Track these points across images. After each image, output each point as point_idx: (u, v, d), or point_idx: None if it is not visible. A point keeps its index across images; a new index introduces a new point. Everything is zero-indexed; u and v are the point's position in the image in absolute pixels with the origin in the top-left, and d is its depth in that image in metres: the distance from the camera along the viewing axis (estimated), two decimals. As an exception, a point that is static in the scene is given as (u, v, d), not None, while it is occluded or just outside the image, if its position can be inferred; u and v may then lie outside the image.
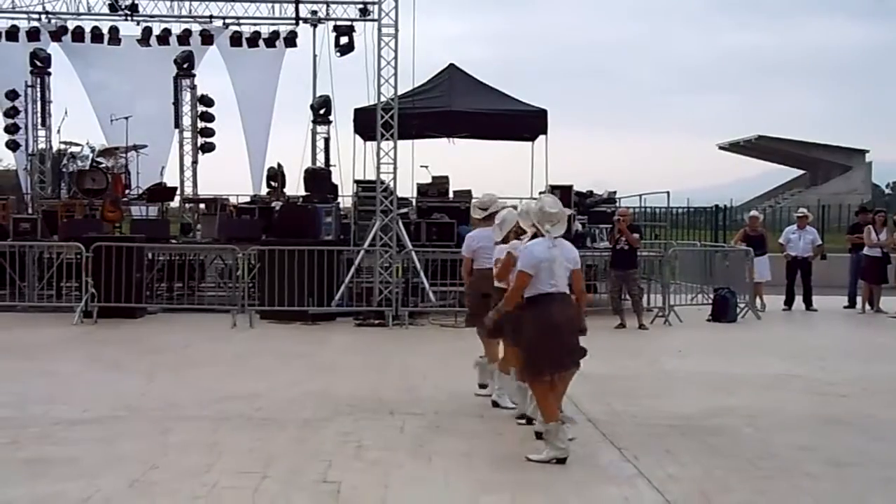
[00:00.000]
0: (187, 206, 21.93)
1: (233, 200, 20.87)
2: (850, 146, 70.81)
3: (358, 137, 19.20)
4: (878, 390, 10.25)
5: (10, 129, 20.96)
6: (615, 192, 20.46)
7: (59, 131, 20.79)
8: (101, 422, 8.06)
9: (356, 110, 18.88)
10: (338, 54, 20.13)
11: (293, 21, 20.34)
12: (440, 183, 18.99)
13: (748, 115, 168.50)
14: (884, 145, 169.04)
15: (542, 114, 19.29)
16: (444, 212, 17.94)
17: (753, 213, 20.59)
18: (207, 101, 22.35)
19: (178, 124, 22.23)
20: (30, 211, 19.92)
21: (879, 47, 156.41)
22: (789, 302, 18.33)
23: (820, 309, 18.07)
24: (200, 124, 22.33)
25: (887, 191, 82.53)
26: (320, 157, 21.25)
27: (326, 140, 21.26)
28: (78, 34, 20.46)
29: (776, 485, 6.63)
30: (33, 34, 20.44)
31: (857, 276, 18.45)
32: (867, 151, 71.03)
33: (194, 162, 22.46)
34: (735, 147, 76.32)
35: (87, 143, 20.29)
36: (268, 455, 7.03)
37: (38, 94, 20.84)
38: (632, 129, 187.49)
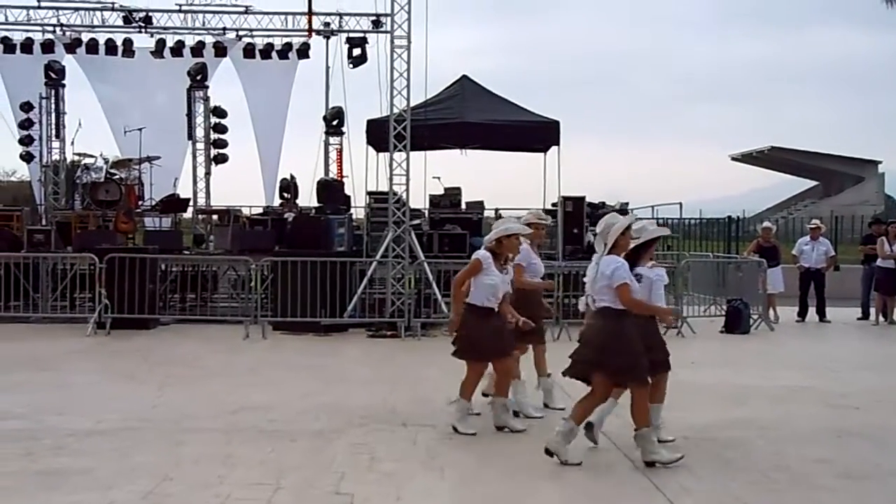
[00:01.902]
0: (200, 217, 22.00)
1: (246, 212, 20.94)
2: (863, 157, 70.45)
3: (370, 149, 19.25)
4: (892, 402, 10.22)
5: (25, 141, 21.06)
6: (627, 204, 20.41)
7: (72, 143, 20.94)
8: (114, 433, 8.08)
9: (369, 121, 18.91)
10: (350, 66, 20.23)
11: (306, 33, 20.43)
12: (452, 194, 19.01)
13: (760, 125, 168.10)
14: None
15: (554, 125, 19.28)
16: (456, 223, 17.96)
17: (766, 224, 20.54)
18: (220, 112, 22.43)
19: (191, 136, 22.33)
20: (44, 222, 20.00)
21: (892, 56, 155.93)
22: (802, 313, 18.27)
23: (833, 320, 18.01)
24: (213, 136, 22.39)
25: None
26: (333, 168, 21.31)
27: (339, 151, 21.32)
28: (92, 46, 20.59)
29: (790, 497, 6.61)
30: (48, 46, 20.59)
31: (869, 287, 18.38)
32: (880, 162, 70.64)
33: (207, 173, 22.53)
34: (747, 158, 76.02)
35: (101, 155, 20.40)
36: (280, 467, 7.04)
37: (53, 106, 20.97)
38: (644, 140, 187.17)
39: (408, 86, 15.79)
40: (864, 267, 18.78)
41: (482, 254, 8.28)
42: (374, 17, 19.58)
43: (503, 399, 8.50)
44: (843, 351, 15.18)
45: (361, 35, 20.06)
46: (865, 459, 7.62)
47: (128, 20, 19.92)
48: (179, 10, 20.07)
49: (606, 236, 7.29)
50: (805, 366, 12.80)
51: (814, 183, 75.51)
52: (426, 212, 18.78)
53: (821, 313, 18.22)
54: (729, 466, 7.29)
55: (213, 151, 22.44)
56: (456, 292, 8.41)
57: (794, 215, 55.64)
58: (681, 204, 20.32)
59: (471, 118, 19.26)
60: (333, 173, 21.11)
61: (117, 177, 19.71)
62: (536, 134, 19.67)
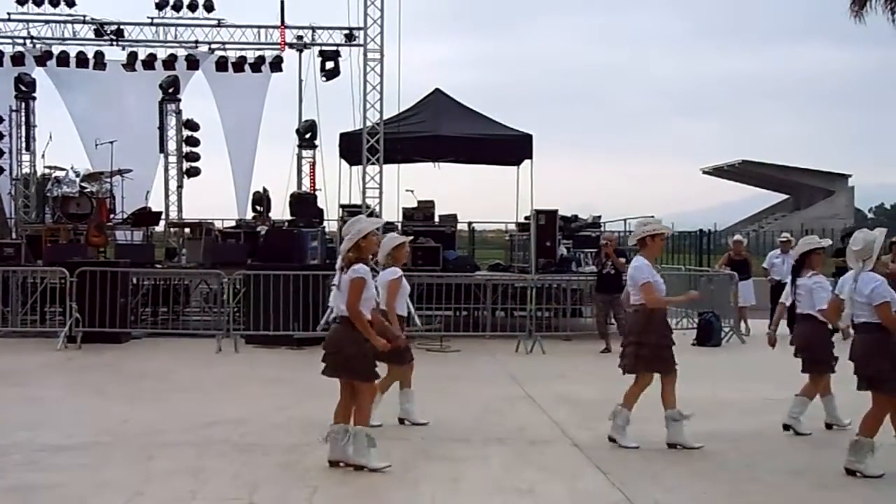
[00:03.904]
0: (172, 230, 21.89)
1: (218, 225, 20.81)
2: (834, 171, 71.14)
3: (343, 162, 19.22)
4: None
5: (-6, 154, 20.89)
6: (600, 217, 20.54)
7: (43, 156, 20.77)
8: (85, 448, 8.01)
9: (342, 135, 18.91)
10: (323, 79, 20.23)
11: (279, 46, 20.42)
12: (426, 207, 19.02)
13: (732, 139, 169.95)
14: (867, 170, 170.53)
15: (527, 138, 19.34)
16: (429, 236, 17.96)
17: (737, 237, 20.67)
18: (193, 125, 22.33)
19: (163, 149, 22.20)
20: (14, 236, 19.81)
21: (862, 72, 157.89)
22: (774, 326, 18.33)
23: (804, 333, 18.08)
24: (186, 149, 22.29)
25: (870, 215, 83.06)
26: (306, 181, 21.29)
27: (312, 164, 21.30)
28: (63, 59, 20.48)
29: (762, 509, 6.63)
30: (18, 59, 20.44)
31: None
32: (850, 176, 71.40)
33: (179, 186, 22.42)
34: (719, 171, 76.57)
35: (72, 168, 20.19)
36: (253, 481, 7.00)
37: (23, 119, 20.82)
38: (616, 154, 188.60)
39: (381, 99, 15.86)
40: (834, 280, 18.87)
41: (363, 270, 7.48)
42: (347, 31, 19.61)
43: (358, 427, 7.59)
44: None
45: (334, 48, 20.09)
46: (838, 470, 7.65)
47: (99, 33, 19.84)
48: (151, 24, 20.01)
49: (868, 252, 7.68)
50: (777, 378, 12.78)
51: (784, 196, 76.13)
52: (399, 225, 18.74)
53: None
54: (701, 478, 7.32)
55: (186, 164, 22.34)
56: (370, 323, 7.60)
57: (764, 228, 56.12)
58: (653, 217, 20.36)
59: (444, 131, 19.29)
60: (306, 186, 21.08)
61: (88, 190, 19.54)
62: (509, 147, 19.72)
